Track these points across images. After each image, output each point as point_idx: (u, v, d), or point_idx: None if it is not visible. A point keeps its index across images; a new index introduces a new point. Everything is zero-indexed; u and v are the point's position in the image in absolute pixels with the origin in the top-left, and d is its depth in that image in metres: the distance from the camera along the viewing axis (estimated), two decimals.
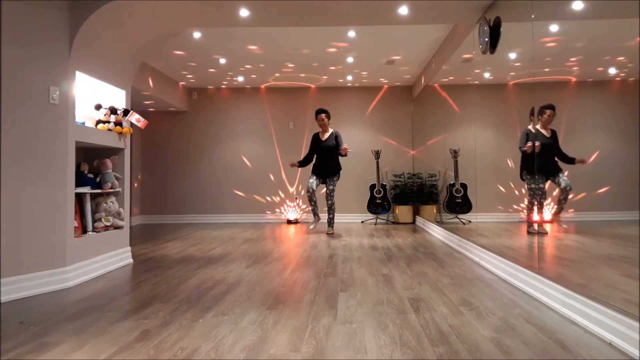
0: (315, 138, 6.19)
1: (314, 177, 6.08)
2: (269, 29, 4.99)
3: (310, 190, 6.00)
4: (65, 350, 1.98)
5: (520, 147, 2.85)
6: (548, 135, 2.59)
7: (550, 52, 2.75)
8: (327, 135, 6.11)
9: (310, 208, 6.41)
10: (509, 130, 3.61)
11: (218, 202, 8.00)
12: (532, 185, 2.74)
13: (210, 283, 3.21)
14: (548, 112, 2.60)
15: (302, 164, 6.23)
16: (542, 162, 2.64)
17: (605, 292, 2.17)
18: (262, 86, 7.98)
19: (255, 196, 8.00)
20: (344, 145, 5.90)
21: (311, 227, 6.30)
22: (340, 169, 6.13)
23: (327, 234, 6.10)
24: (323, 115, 6.07)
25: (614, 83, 2.27)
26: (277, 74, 7.10)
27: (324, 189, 6.22)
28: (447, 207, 5.69)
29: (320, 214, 6.39)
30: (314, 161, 6.18)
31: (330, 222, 6.18)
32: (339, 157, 6.07)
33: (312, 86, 7.96)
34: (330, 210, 6.12)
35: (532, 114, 2.69)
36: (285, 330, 2.20)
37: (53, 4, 3.14)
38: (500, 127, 3.89)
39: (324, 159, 6.07)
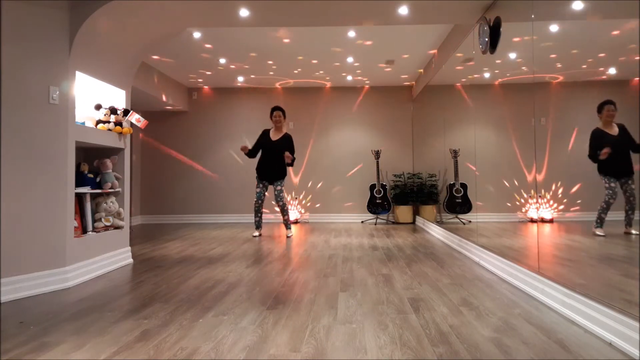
0: (265, 134, 5.71)
1: (261, 183, 5.63)
2: (268, 28, 4.99)
3: (260, 201, 5.63)
4: (65, 350, 1.98)
5: (591, 155, 2.67)
6: (615, 134, 2.48)
7: (550, 52, 2.75)
8: (279, 135, 5.68)
9: (255, 219, 5.80)
10: (509, 130, 3.61)
11: (218, 202, 8.00)
12: (606, 185, 2.64)
13: (210, 283, 3.21)
14: (606, 107, 2.49)
15: (249, 153, 5.68)
16: (613, 163, 2.53)
17: (605, 292, 2.17)
18: (262, 86, 7.98)
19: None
20: (287, 153, 5.50)
21: (255, 234, 5.82)
22: (285, 174, 5.72)
23: (287, 237, 5.77)
24: (280, 112, 5.67)
25: (614, 83, 2.27)
26: (277, 74, 7.10)
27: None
28: (447, 207, 5.69)
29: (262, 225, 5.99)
30: (258, 159, 5.73)
31: (287, 224, 5.85)
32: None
33: (312, 86, 7.96)
34: (284, 212, 5.74)
35: (599, 111, 2.55)
36: (285, 330, 2.20)
37: (53, 4, 3.14)
38: (500, 127, 3.89)
39: (272, 160, 5.60)
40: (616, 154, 2.46)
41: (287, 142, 5.67)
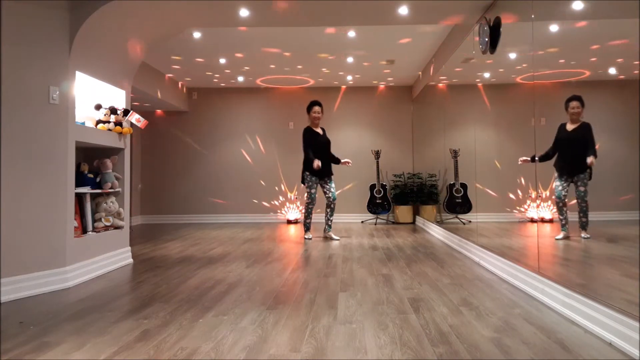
0: (312, 132, 5.46)
1: (315, 181, 5.40)
2: (269, 28, 4.99)
3: (315, 202, 5.46)
4: (65, 350, 1.98)
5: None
6: (569, 130, 2.44)
7: (549, 52, 2.75)
8: (320, 130, 5.55)
9: (307, 222, 5.57)
10: (509, 130, 3.61)
11: (218, 202, 8.00)
12: (555, 183, 2.58)
13: (210, 283, 3.21)
14: (570, 104, 2.43)
15: (310, 156, 5.35)
16: (561, 160, 2.47)
17: (605, 292, 2.17)
18: (262, 86, 7.98)
19: (256, 196, 8.00)
20: (347, 160, 5.63)
21: (310, 237, 5.57)
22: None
23: (336, 239, 5.46)
24: (319, 108, 5.47)
25: (614, 82, 2.27)
26: (277, 74, 7.10)
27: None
28: (447, 207, 5.69)
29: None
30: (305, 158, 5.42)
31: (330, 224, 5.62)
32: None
33: (312, 86, 7.96)
34: (332, 212, 5.54)
35: (565, 107, 2.46)
36: (285, 330, 2.20)
37: (53, 4, 3.14)
38: (501, 127, 3.89)
39: (326, 157, 5.42)
40: (565, 150, 2.44)
41: (327, 137, 5.59)
